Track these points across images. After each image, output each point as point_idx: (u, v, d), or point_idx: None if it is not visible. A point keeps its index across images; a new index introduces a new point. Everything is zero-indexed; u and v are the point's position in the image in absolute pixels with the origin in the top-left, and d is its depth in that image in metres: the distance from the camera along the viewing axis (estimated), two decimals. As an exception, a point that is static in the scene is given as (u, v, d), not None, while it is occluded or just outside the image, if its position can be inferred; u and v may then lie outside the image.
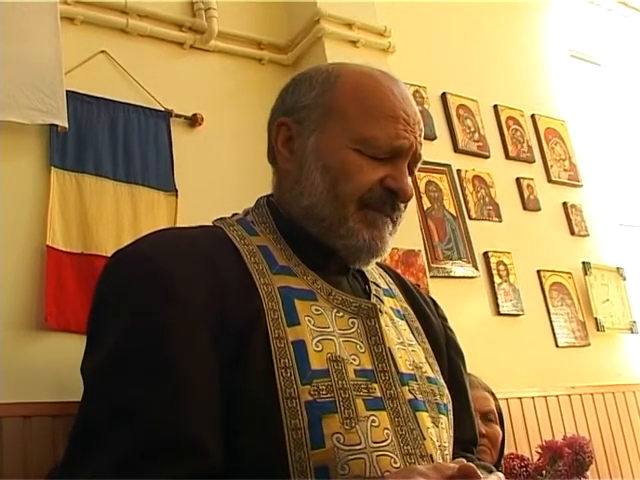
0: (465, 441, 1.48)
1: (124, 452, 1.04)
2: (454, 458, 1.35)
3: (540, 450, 2.90)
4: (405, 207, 1.38)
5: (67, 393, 2.16)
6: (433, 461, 1.22)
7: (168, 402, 1.08)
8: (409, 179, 1.35)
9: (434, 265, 3.46)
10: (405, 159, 1.35)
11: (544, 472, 2.81)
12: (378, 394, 1.21)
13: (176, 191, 2.89)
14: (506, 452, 2.85)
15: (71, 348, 2.34)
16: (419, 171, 3.52)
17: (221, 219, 1.41)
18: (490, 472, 1.34)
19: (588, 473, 2.90)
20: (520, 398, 3.48)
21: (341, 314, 1.28)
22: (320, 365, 1.17)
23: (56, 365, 2.38)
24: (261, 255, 1.29)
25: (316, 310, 1.25)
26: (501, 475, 1.12)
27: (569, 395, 3.72)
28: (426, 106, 3.87)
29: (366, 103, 1.35)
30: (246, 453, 1.12)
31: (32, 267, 2.51)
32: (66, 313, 2.45)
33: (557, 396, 3.67)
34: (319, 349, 1.19)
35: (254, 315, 1.19)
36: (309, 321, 1.22)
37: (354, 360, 1.22)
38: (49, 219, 2.56)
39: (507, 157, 4.20)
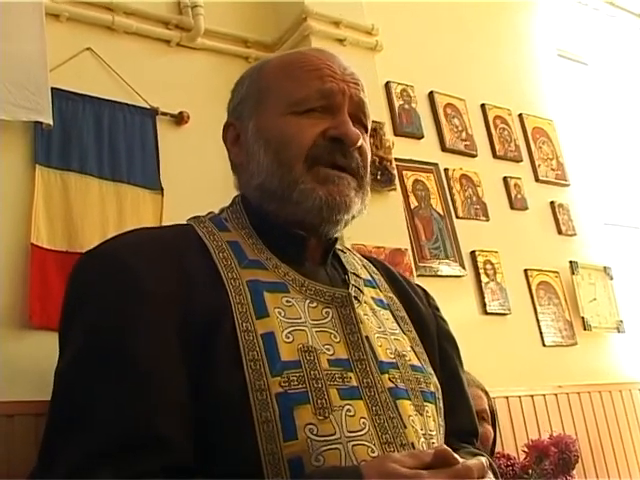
0: (462, 432, 1.44)
1: (89, 452, 1.03)
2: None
3: (526, 449, 2.91)
4: (364, 161, 1.37)
5: (51, 392, 2.15)
6: (415, 449, 1.19)
7: (133, 399, 1.07)
8: (351, 125, 1.33)
9: (421, 264, 3.46)
10: (342, 107, 1.34)
11: (530, 471, 2.81)
12: (354, 383, 1.19)
13: (162, 189, 2.88)
14: (493, 452, 2.85)
15: (55, 346, 2.30)
16: (406, 170, 3.60)
17: (194, 217, 1.41)
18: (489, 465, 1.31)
19: (574, 472, 2.91)
20: (507, 397, 3.48)
21: (314, 304, 1.26)
22: (291, 356, 1.16)
23: (40, 363, 2.36)
24: (230, 250, 1.29)
25: (287, 302, 1.24)
26: (483, 459, 1.10)
27: (556, 394, 3.72)
28: (413, 105, 3.87)
29: (290, 71, 1.37)
30: (216, 448, 1.11)
31: (16, 265, 2.49)
32: (50, 311, 2.43)
33: (544, 395, 3.67)
34: (289, 340, 1.18)
35: (221, 310, 1.18)
36: (279, 313, 1.21)
37: (328, 350, 1.20)
38: (33, 217, 2.55)
39: (494, 156, 4.21)
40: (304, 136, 1.31)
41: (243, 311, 1.19)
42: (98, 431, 1.04)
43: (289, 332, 1.19)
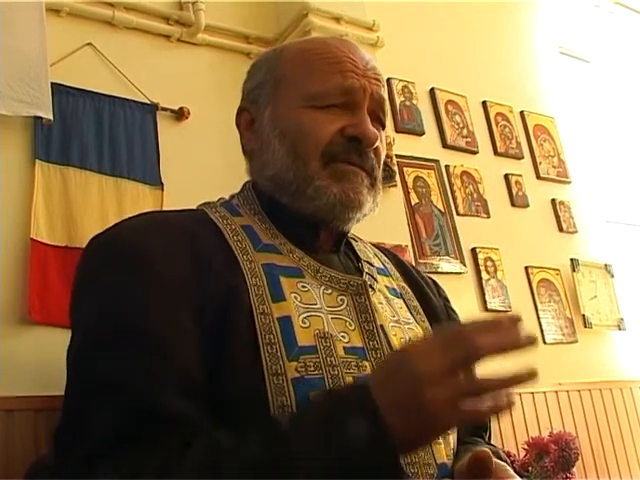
0: (474, 426, 1.45)
1: (106, 432, 1.02)
2: (462, 444, 1.35)
3: (526, 446, 2.90)
4: (379, 160, 1.36)
5: (50, 387, 2.13)
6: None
7: (148, 374, 1.05)
8: (370, 125, 1.32)
9: (421, 261, 3.45)
10: (362, 104, 1.33)
11: (530, 469, 2.81)
12: (369, 372, 1.18)
13: (162, 184, 2.87)
14: (492, 448, 2.84)
15: (54, 342, 2.32)
16: (407, 166, 3.58)
17: (206, 203, 1.41)
18: (498, 457, 1.33)
19: (574, 470, 2.91)
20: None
21: (329, 291, 1.26)
22: (307, 341, 1.15)
23: (39, 358, 2.36)
24: (244, 234, 1.28)
25: (302, 287, 1.23)
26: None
27: (556, 392, 3.72)
28: (414, 101, 3.86)
29: (310, 62, 1.35)
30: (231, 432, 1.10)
31: (16, 260, 2.49)
32: (50, 306, 2.43)
33: (544, 393, 3.66)
34: (306, 325, 1.17)
35: (237, 291, 1.17)
36: (295, 297, 1.20)
37: (343, 337, 1.20)
38: (33, 212, 2.54)
39: (496, 153, 4.20)
40: (322, 132, 1.29)
41: (259, 293, 1.18)
42: (112, 413, 1.03)
43: (305, 317, 1.18)
